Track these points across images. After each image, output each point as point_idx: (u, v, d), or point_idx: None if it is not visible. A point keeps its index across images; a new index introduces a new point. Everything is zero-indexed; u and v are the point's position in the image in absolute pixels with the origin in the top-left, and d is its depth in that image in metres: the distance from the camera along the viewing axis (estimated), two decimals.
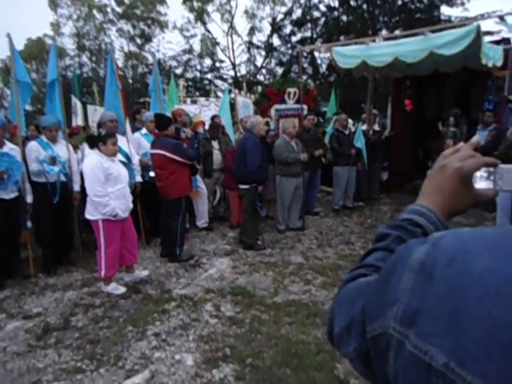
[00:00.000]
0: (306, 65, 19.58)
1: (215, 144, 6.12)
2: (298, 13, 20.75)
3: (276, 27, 22.35)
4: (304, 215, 6.06)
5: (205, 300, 3.72)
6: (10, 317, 3.52)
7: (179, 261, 4.70)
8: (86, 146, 4.20)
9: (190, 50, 25.73)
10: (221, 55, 25.98)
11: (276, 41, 22.71)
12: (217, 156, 6.09)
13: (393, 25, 17.48)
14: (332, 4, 19.51)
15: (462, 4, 16.81)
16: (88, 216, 3.79)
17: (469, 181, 0.63)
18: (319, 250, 5.11)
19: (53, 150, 4.37)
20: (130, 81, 25.00)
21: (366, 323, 0.50)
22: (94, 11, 24.86)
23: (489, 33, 12.12)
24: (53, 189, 4.34)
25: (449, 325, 0.38)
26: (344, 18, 19.06)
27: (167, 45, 35.42)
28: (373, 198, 7.46)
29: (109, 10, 24.94)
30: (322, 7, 19.94)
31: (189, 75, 25.16)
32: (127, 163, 4.65)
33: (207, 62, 26.17)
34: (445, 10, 17.43)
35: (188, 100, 10.50)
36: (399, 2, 17.54)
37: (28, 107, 16.82)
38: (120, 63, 23.80)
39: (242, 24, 41.15)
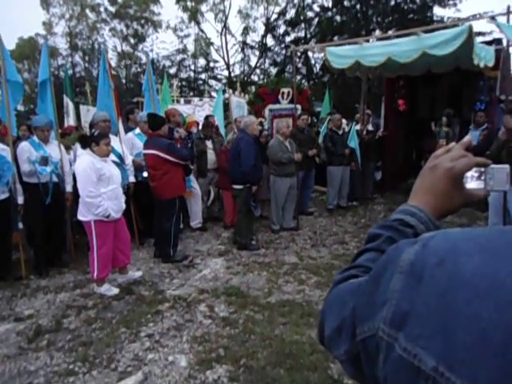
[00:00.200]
0: (299, 65, 19.63)
1: (209, 143, 6.10)
2: (291, 13, 20.82)
3: (270, 27, 22.37)
4: (298, 215, 6.06)
5: (198, 301, 3.70)
6: (1, 319, 3.47)
7: (173, 261, 4.68)
8: (78, 147, 4.16)
9: (184, 50, 25.71)
10: (215, 55, 26.02)
11: (270, 41, 22.79)
12: (211, 156, 6.07)
13: (386, 25, 17.58)
14: (326, 4, 19.61)
15: (455, 5, 16.98)
16: (80, 217, 3.76)
17: (460, 181, 0.63)
18: (313, 250, 5.12)
19: (45, 151, 4.32)
20: (124, 81, 24.88)
21: (356, 325, 0.49)
22: (87, 10, 24.74)
23: (481, 33, 12.28)
24: (45, 189, 4.29)
25: (438, 327, 0.37)
26: (338, 18, 19.12)
27: (161, 44, 35.43)
28: (367, 198, 7.48)
29: (102, 9, 24.85)
30: (316, 7, 20.05)
31: (183, 75, 25.13)
32: (120, 163, 4.61)
33: (201, 61, 26.20)
34: (437, 11, 17.61)
35: (182, 100, 10.47)
36: (392, 3, 17.65)
37: (20, 107, 16.68)
38: (113, 63, 23.69)
39: (235, 24, 41.28)
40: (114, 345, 2.99)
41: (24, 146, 4.30)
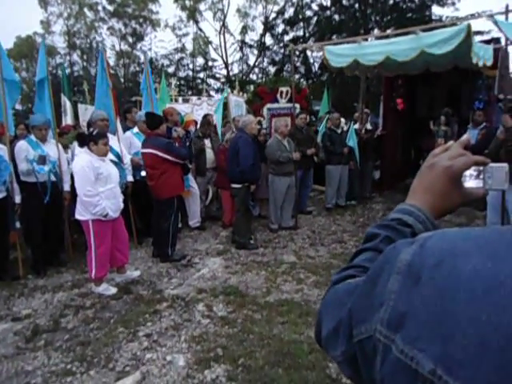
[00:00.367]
0: (298, 64, 19.64)
1: (207, 142, 6.09)
2: (290, 12, 20.81)
3: (268, 26, 22.35)
4: (296, 214, 6.06)
5: (197, 300, 3.70)
6: None
7: (171, 261, 4.67)
8: (76, 146, 4.15)
9: (183, 49, 25.63)
10: (213, 54, 25.94)
11: (268, 40, 22.76)
12: (209, 155, 6.05)
13: (384, 24, 17.57)
14: (324, 3, 19.61)
15: (453, 4, 16.98)
16: (78, 216, 3.75)
17: (458, 179, 0.63)
18: (312, 249, 5.11)
19: (42, 150, 4.31)
20: (122, 80, 24.82)
21: (352, 326, 0.49)
22: (85, 9, 24.65)
23: (479, 32, 12.28)
24: (43, 188, 4.28)
25: (436, 329, 0.36)
26: (336, 17, 19.13)
27: (159, 43, 35.23)
28: (365, 197, 7.48)
29: (100, 8, 24.76)
30: (315, 6, 20.06)
31: (181, 74, 25.06)
32: (118, 162, 4.60)
33: (200, 60, 26.12)
34: (436, 10, 17.65)
35: (180, 99, 10.45)
36: (391, 2, 17.65)
37: (18, 106, 16.62)
38: (112, 62, 23.66)
39: (234, 23, 41.01)
40: (111, 344, 2.98)
41: (22, 144, 4.29)
